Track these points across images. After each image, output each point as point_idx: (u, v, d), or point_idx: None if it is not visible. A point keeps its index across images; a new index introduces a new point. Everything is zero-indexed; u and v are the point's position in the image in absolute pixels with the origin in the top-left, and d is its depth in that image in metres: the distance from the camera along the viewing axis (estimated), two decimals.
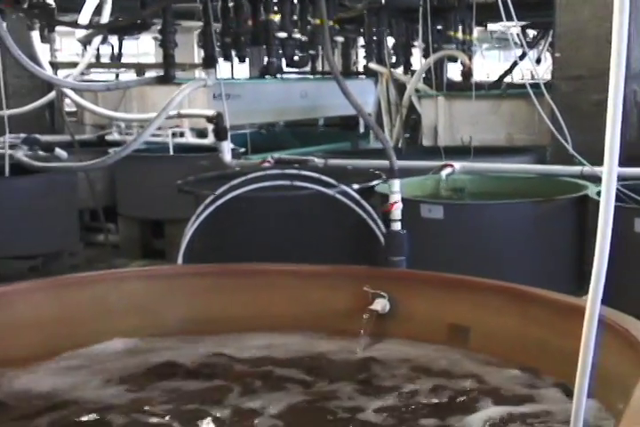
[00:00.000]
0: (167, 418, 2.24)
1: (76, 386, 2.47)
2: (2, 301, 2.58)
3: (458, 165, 4.64)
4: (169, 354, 2.69)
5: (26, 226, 5.20)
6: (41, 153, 5.90)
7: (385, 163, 3.84)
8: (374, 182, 4.33)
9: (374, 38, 7.67)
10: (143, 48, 16.20)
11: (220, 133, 5.37)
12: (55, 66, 6.67)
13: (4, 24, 4.54)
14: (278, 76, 7.42)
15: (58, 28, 6.82)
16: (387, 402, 2.30)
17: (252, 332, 2.84)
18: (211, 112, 5.55)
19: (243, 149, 6.23)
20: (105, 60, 10.83)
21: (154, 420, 2.24)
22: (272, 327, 2.85)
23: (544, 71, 9.64)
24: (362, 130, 8.86)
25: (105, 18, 5.72)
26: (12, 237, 5.18)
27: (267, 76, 7.75)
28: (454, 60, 7.87)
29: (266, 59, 5.89)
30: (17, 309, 2.62)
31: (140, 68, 10.10)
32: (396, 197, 3.38)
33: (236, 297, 2.94)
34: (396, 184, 3.39)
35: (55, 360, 2.63)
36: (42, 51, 5.73)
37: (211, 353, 2.69)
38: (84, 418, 2.28)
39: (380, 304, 2.65)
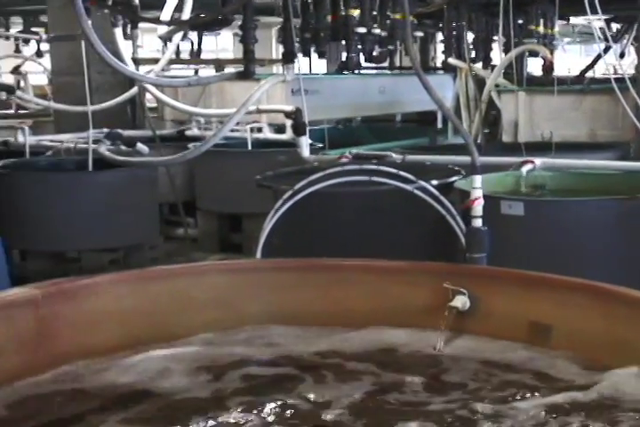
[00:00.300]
0: (244, 408, 2.26)
1: (157, 377, 2.51)
2: (86, 292, 2.63)
3: (539, 161, 4.56)
4: (246, 347, 2.72)
5: (108, 219, 5.29)
6: (123, 148, 5.99)
7: (464, 159, 3.81)
8: (453, 178, 4.29)
9: (454, 33, 7.60)
10: (222, 44, 16.36)
11: (299, 129, 5.38)
12: (137, 62, 6.78)
13: (89, 21, 4.61)
14: (356, 71, 7.41)
15: (139, 25, 6.93)
16: (452, 398, 2.28)
17: (328, 326, 2.85)
18: (289, 107, 5.57)
19: (320, 145, 6.24)
20: (184, 56, 10.97)
21: (231, 410, 2.27)
22: (348, 322, 2.85)
23: (628, 65, 9.42)
24: (440, 125, 8.80)
25: (186, 14, 5.78)
26: (95, 230, 5.28)
27: (345, 72, 7.75)
28: (535, 54, 7.75)
29: (344, 54, 5.88)
30: (100, 300, 2.67)
31: (219, 64, 10.21)
32: (477, 194, 3.34)
33: (314, 292, 2.95)
34: (478, 180, 3.35)
35: (137, 352, 2.67)
36: (124, 47, 5.81)
37: (287, 346, 2.71)
38: (164, 409, 2.32)
39: (460, 301, 2.62)
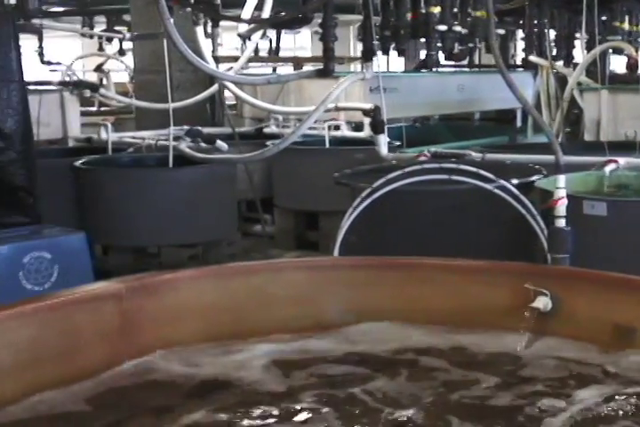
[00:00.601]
0: (316, 403, 2.28)
1: (235, 371, 2.54)
2: (167, 287, 2.68)
3: (622, 160, 4.47)
4: (322, 343, 2.74)
5: (188, 215, 5.36)
6: (203, 145, 6.06)
7: (545, 158, 3.76)
8: (534, 178, 4.24)
9: (535, 30, 7.49)
10: (300, 42, 16.42)
11: (377, 127, 5.37)
12: (217, 60, 6.86)
13: (172, 20, 4.68)
14: (434, 69, 7.36)
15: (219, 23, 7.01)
16: (527, 398, 2.26)
17: (405, 324, 2.84)
18: (368, 105, 5.56)
19: (397, 143, 6.22)
20: (263, 54, 11.05)
21: (304, 405, 2.29)
22: (426, 321, 2.84)
23: None
24: (519, 124, 8.69)
25: (266, 13, 5.82)
26: (175, 225, 5.35)
27: (422, 70, 7.71)
28: (619, 52, 7.59)
29: (423, 52, 5.85)
30: (181, 295, 2.70)
31: (297, 62, 10.27)
32: (560, 193, 3.29)
33: (391, 290, 2.94)
34: (562, 180, 3.30)
35: (216, 346, 2.71)
36: (205, 45, 5.88)
37: (362, 343, 2.71)
38: (240, 401, 2.35)
39: (542, 302, 2.59)
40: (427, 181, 4.12)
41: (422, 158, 4.95)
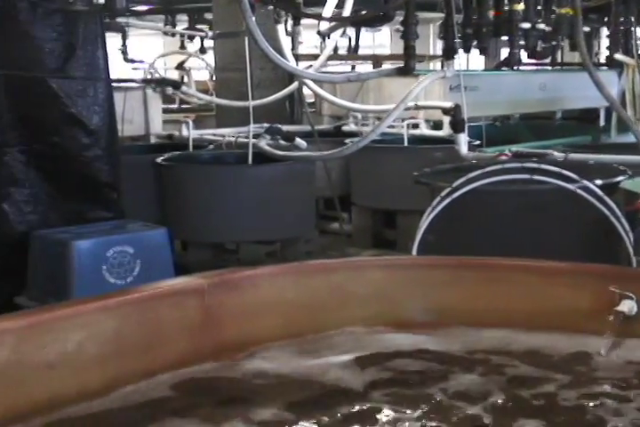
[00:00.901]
0: (391, 401, 2.28)
1: (312, 368, 2.55)
2: (248, 283, 2.69)
3: None
4: (399, 341, 2.73)
5: (266, 212, 5.40)
6: (282, 142, 6.10)
7: (631, 158, 3.68)
8: (619, 178, 4.15)
9: (621, 28, 7.34)
10: (379, 40, 16.40)
11: (457, 125, 5.33)
12: (296, 58, 6.89)
13: (253, 18, 4.72)
14: (515, 67, 7.27)
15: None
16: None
17: (483, 326, 2.81)
18: (448, 104, 5.53)
19: (477, 142, 6.16)
20: (342, 52, 11.06)
21: (378, 402, 2.28)
22: (504, 322, 2.80)
23: None
24: (602, 123, 8.52)
25: (347, 11, 5.84)
26: (254, 222, 5.40)
27: (503, 68, 7.62)
28: None
29: (504, 50, 5.78)
30: (261, 291, 2.72)
31: (376, 60, 10.25)
32: None
33: (470, 290, 2.91)
34: None
35: (295, 343, 2.72)
36: (286, 43, 5.91)
37: (437, 342, 2.70)
38: (318, 399, 2.35)
39: (628, 306, 2.53)
40: (507, 180, 4.07)
41: (503, 158, 4.89)
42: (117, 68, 9.11)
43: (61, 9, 3.97)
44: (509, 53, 5.71)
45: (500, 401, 2.25)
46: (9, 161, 3.99)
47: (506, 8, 5.48)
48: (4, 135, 3.97)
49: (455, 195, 4.06)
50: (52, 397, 2.25)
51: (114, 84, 4.59)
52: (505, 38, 6.14)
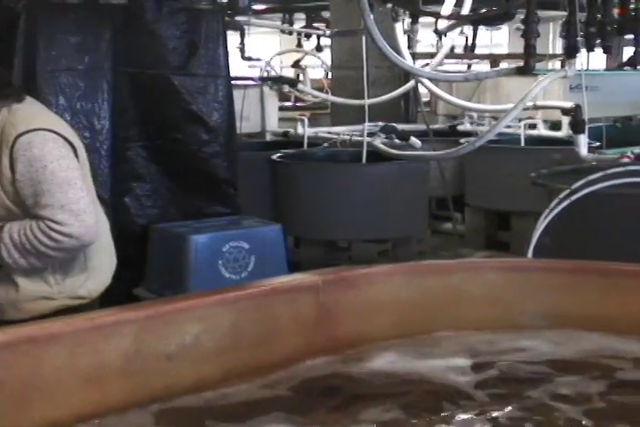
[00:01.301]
0: (502, 402, 2.25)
1: (423, 369, 2.54)
2: (363, 281, 2.70)
3: None
4: (513, 344, 2.70)
5: (379, 211, 5.39)
6: (396, 141, 6.08)
7: None
8: None
9: None
10: (496, 39, 16.18)
11: (577, 126, 5.21)
12: (413, 56, 6.86)
13: (372, 16, 4.72)
14: (638, 67, 7.06)
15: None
16: None
17: (596, 331, 2.75)
18: (568, 104, 5.41)
19: (597, 144, 6.01)
20: (458, 50, 10.95)
21: (482, 403, 2.27)
22: (623, 329, 2.73)
23: None
24: None
25: (466, 9, 5.78)
26: (366, 221, 5.40)
27: (626, 68, 7.40)
28: None
29: (626, 49, 5.61)
30: (376, 290, 2.72)
31: (493, 59, 10.12)
32: None
33: (587, 295, 2.84)
34: None
35: (407, 342, 2.71)
36: (403, 42, 5.90)
37: (548, 347, 2.66)
38: (426, 401, 2.34)
39: None
40: (631, 183, 3.95)
41: (625, 160, 4.76)
42: (235, 66, 9.25)
43: (186, 8, 4.05)
44: (634, 52, 5.55)
45: (602, 406, 2.20)
46: (132, 156, 4.09)
47: (632, 6, 5.33)
48: (128, 131, 4.07)
49: (574, 197, 3.97)
50: (168, 387, 2.31)
51: (233, 82, 4.66)
52: (629, 37, 5.97)
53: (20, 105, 2.75)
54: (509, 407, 2.22)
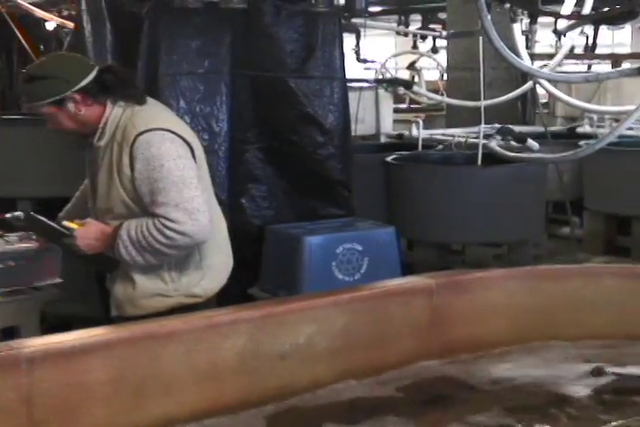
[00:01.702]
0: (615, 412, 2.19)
1: (536, 375, 2.50)
2: (478, 285, 2.68)
3: None
4: (629, 350, 2.64)
5: (494, 214, 5.31)
6: (513, 143, 5.98)
7: None
8: None
9: None
10: (618, 38, 15.73)
11: None
12: (531, 57, 6.74)
13: (489, 17, 4.66)
14: None
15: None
16: None
17: None
18: None
19: None
20: (578, 50, 10.69)
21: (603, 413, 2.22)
22: None
23: None
24: None
25: (587, 8, 5.64)
26: (481, 224, 5.32)
27: None
28: None
29: None
30: (491, 294, 2.70)
31: (615, 60, 9.82)
32: None
33: None
34: None
35: (521, 348, 2.67)
36: (521, 42, 5.80)
37: None
38: (538, 407, 2.30)
39: None
40: None
41: None
42: (350, 68, 9.29)
43: (304, 11, 4.07)
44: None
45: None
46: (249, 158, 4.15)
47: None
48: (246, 133, 4.13)
49: None
50: (282, 386, 2.34)
51: (348, 84, 4.66)
52: None
53: (143, 107, 2.83)
54: (625, 416, 2.17)
